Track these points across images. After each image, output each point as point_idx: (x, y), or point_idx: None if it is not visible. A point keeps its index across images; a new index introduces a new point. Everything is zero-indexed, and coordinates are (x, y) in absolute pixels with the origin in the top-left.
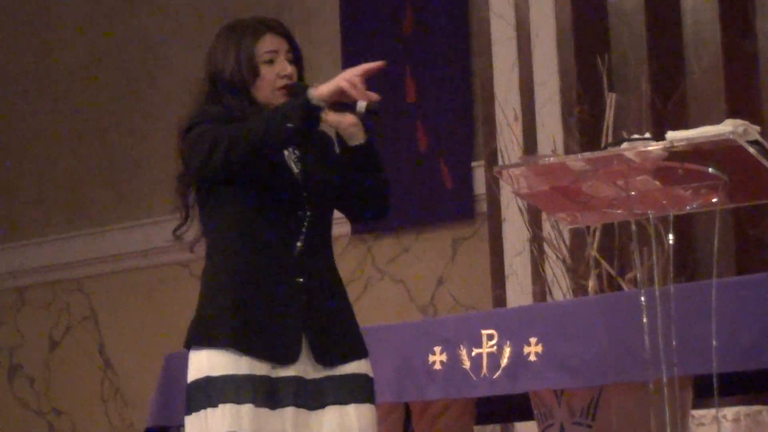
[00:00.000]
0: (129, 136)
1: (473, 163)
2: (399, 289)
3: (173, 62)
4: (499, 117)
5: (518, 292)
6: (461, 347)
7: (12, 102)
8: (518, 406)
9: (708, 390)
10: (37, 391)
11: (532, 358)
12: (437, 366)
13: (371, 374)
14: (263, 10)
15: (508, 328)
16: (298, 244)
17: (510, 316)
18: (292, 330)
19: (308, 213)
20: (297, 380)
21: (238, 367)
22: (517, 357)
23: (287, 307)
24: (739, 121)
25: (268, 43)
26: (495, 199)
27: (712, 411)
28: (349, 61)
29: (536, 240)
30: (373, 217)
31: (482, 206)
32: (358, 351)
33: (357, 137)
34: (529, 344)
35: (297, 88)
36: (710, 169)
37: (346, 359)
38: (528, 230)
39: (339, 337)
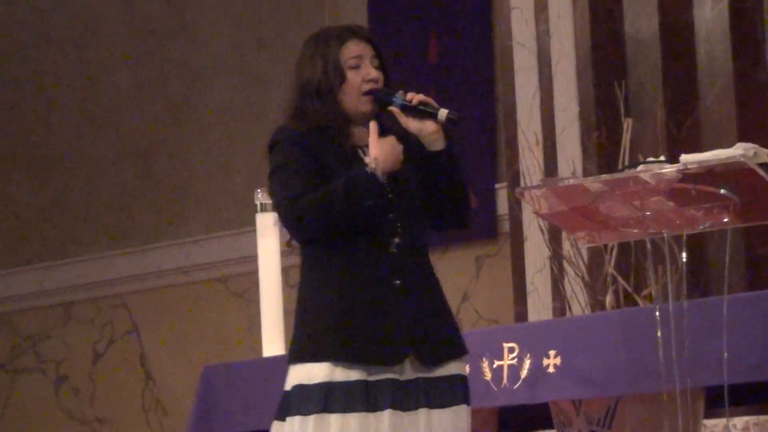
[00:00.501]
0: (170, 159)
1: (496, 185)
2: None
3: (211, 90)
4: (521, 141)
5: (539, 307)
6: (483, 359)
7: (60, 127)
8: (539, 416)
9: (719, 400)
10: (82, 401)
11: (551, 369)
12: None
13: (466, 373)
14: (296, 38)
15: (529, 341)
16: (392, 247)
17: (530, 330)
18: (395, 335)
19: (398, 216)
20: (393, 382)
21: (331, 374)
22: (537, 369)
23: (388, 312)
24: (749, 145)
25: (353, 48)
26: (517, 219)
27: (723, 420)
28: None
29: (556, 258)
30: (453, 225)
31: (505, 226)
32: (458, 350)
33: (437, 144)
34: (548, 357)
35: (383, 94)
36: (722, 191)
37: (447, 361)
38: (548, 248)
39: (439, 338)
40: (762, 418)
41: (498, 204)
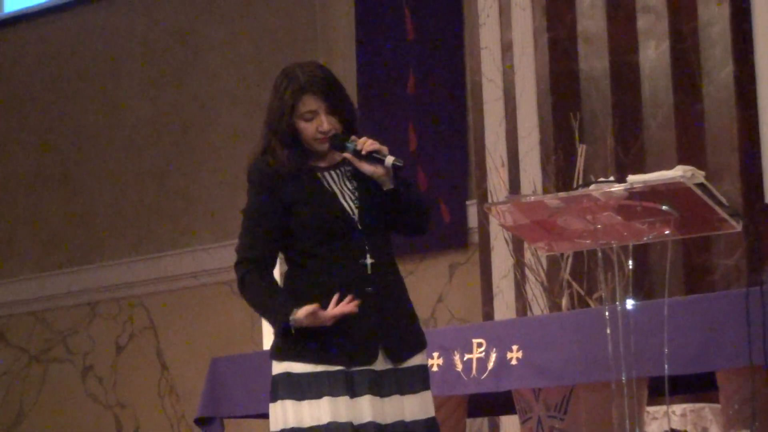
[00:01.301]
0: (183, 178)
1: (467, 202)
2: None
3: (220, 117)
4: (489, 163)
5: (503, 308)
6: (455, 353)
7: (87, 149)
8: (503, 402)
9: (660, 389)
10: (105, 388)
11: (514, 362)
12: (435, 368)
13: (427, 363)
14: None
15: (495, 337)
16: (364, 261)
17: (496, 327)
18: (367, 337)
19: (366, 238)
20: (369, 372)
21: (315, 366)
22: (502, 361)
23: (361, 316)
24: (687, 168)
25: (308, 103)
26: (485, 231)
27: (664, 407)
28: (364, 112)
29: (519, 265)
30: (413, 234)
31: (474, 237)
32: (420, 344)
33: (388, 183)
34: (512, 351)
35: (336, 140)
36: (663, 207)
37: (410, 354)
38: (512, 257)
39: (405, 335)
40: (698, 405)
41: (468, 218)
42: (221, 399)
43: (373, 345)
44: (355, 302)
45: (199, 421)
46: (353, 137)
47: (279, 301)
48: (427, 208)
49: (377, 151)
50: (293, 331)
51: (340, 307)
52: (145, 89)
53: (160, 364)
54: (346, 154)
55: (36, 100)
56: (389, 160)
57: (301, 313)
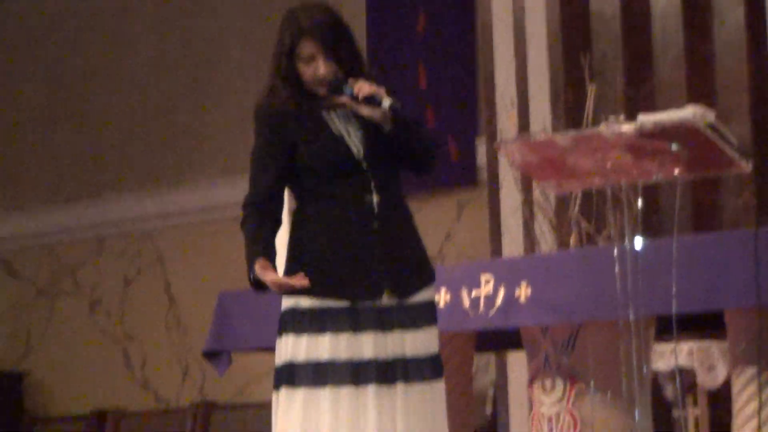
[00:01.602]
0: (192, 114)
1: (477, 140)
2: None
3: (228, 54)
4: (499, 102)
5: (512, 245)
6: (462, 289)
7: (96, 85)
8: (510, 338)
9: (668, 328)
10: (113, 322)
11: (522, 299)
12: (442, 304)
13: (434, 298)
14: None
15: (503, 274)
16: (371, 197)
17: (505, 264)
18: (373, 274)
19: (372, 175)
20: (373, 308)
21: (322, 302)
22: (510, 298)
23: (367, 252)
24: (698, 107)
25: (307, 47)
26: (494, 169)
27: (671, 345)
28: (374, 54)
29: (528, 203)
30: (419, 173)
31: (483, 175)
32: (427, 279)
33: (387, 125)
34: (520, 287)
35: (333, 85)
36: (673, 146)
37: (417, 289)
38: (521, 195)
39: (412, 271)
40: (705, 343)
41: (478, 156)
42: (229, 333)
43: (379, 281)
44: (304, 281)
45: (207, 355)
46: (350, 80)
47: (253, 251)
48: (431, 148)
49: (373, 94)
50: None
51: (289, 279)
52: (155, 26)
53: (168, 297)
54: (344, 98)
55: (47, 38)
56: (386, 102)
57: (258, 270)
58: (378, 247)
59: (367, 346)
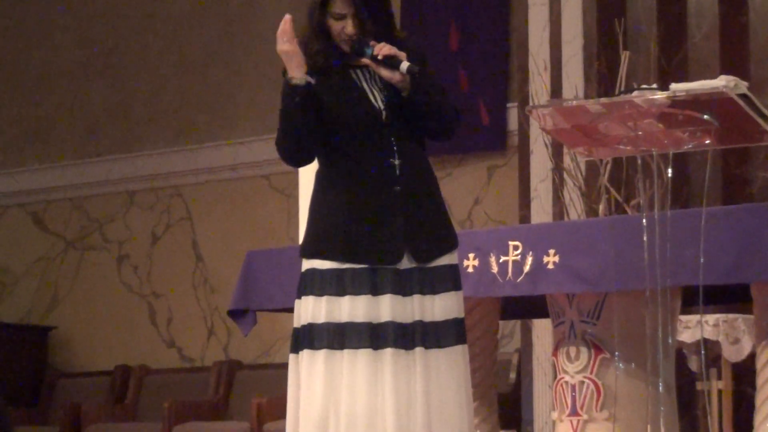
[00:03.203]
0: (224, 70)
1: (508, 104)
2: None
3: (263, 9)
4: (532, 67)
5: (540, 212)
6: (491, 255)
7: (129, 38)
8: (536, 306)
9: (694, 299)
10: (140, 278)
11: (550, 266)
12: (470, 269)
13: (455, 263)
14: None
15: (531, 240)
16: (393, 160)
17: (533, 230)
18: (393, 237)
19: (393, 136)
20: (393, 271)
21: (341, 263)
22: (538, 265)
23: (387, 215)
24: (730, 78)
25: (337, 5)
26: (525, 135)
27: (697, 317)
28: (408, 10)
29: (557, 169)
30: (440, 138)
31: (514, 140)
32: (449, 245)
33: (405, 88)
34: (548, 255)
35: (355, 45)
36: (705, 116)
37: (438, 255)
38: (551, 161)
39: (433, 236)
40: (730, 316)
41: (509, 121)
42: (255, 292)
43: (399, 244)
44: (288, 18)
45: (233, 314)
46: (372, 42)
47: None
48: (451, 117)
49: (393, 57)
50: (300, 84)
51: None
52: None
53: (195, 255)
54: (365, 60)
55: None
56: (404, 66)
57: (281, 49)
58: (399, 211)
59: (384, 308)
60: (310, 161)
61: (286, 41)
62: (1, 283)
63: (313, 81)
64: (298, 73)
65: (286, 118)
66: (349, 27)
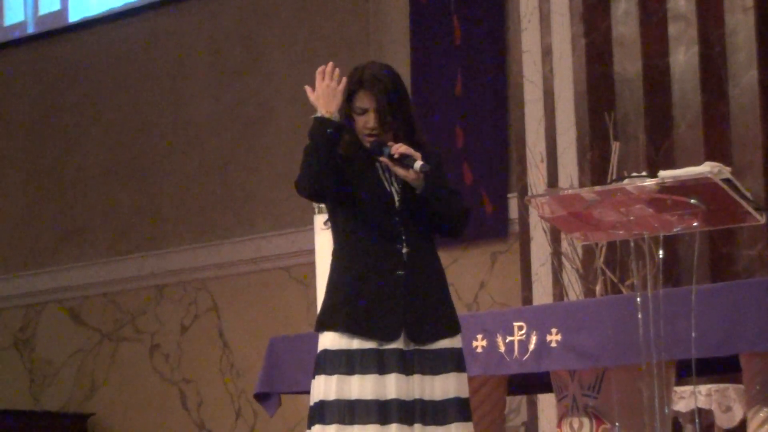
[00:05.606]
0: (243, 171)
1: (509, 195)
2: (450, 290)
3: (278, 114)
4: (529, 159)
5: (542, 293)
6: (498, 336)
7: (155, 144)
8: (540, 381)
9: (687, 371)
10: (171, 365)
11: (553, 344)
12: (479, 350)
13: (457, 347)
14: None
15: (535, 321)
16: (401, 247)
17: (536, 312)
18: (392, 316)
19: (403, 226)
20: (399, 351)
21: (350, 344)
22: (542, 344)
23: (388, 297)
24: (715, 164)
25: (362, 99)
26: (525, 222)
27: (690, 387)
28: (417, 112)
29: (556, 254)
30: (448, 236)
31: (515, 228)
32: (450, 330)
33: (419, 186)
34: (551, 334)
35: (376, 146)
36: (692, 200)
37: (437, 338)
38: (550, 246)
39: (431, 319)
40: (722, 385)
41: (510, 210)
42: (278, 376)
43: (395, 324)
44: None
45: (258, 397)
46: (390, 143)
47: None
48: (461, 214)
49: (407, 156)
50: (331, 122)
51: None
52: (209, 88)
53: (222, 343)
54: (383, 159)
55: (108, 99)
56: (417, 164)
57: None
58: (400, 294)
59: (390, 387)
60: (327, 196)
61: (334, 79)
62: (42, 375)
63: (344, 122)
64: (333, 108)
65: (313, 152)
66: (371, 121)
